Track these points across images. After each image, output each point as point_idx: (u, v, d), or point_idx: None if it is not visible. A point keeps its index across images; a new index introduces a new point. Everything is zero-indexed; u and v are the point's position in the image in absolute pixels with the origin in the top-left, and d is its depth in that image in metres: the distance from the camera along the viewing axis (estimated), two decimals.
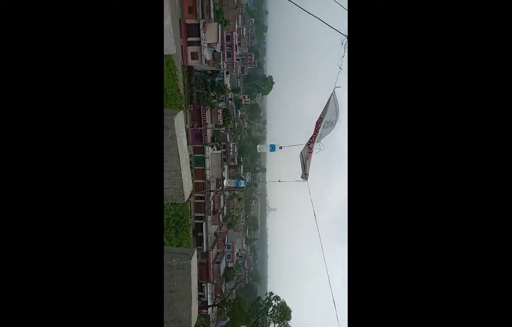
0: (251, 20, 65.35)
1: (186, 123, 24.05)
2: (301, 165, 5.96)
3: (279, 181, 9.83)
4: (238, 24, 42.29)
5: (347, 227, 1.88)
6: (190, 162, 24.27)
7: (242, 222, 58.27)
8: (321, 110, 5.62)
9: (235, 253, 34.30)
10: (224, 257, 30.03)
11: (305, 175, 5.94)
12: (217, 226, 29.83)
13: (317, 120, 5.67)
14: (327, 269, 6.23)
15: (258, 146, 16.17)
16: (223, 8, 32.79)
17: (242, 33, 48.31)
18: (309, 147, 5.83)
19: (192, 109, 25.62)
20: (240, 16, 45.60)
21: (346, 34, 3.84)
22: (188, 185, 4.30)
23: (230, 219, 39.75)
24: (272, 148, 10.78)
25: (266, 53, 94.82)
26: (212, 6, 25.73)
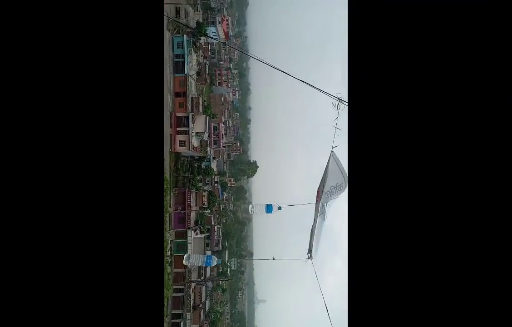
0: (236, 114, 73.12)
1: (170, 206, 23.44)
2: (310, 240, 5.36)
3: (273, 258, 8.98)
4: (224, 117, 46.98)
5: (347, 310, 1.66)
6: (171, 248, 22.59)
7: (227, 318, 50.92)
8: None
9: None
10: None
11: (310, 252, 5.36)
12: (197, 325, 25.69)
13: (318, 187, 5.25)
14: None
15: (250, 206, 14.83)
16: (211, 104, 36.89)
17: (228, 124, 53.25)
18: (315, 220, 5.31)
19: (176, 192, 25.47)
20: (226, 111, 51.12)
21: (338, 96, 4.28)
22: None
23: (212, 316, 34.65)
24: (269, 208, 9.85)
25: (250, 141, 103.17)
26: (201, 102, 28.98)
